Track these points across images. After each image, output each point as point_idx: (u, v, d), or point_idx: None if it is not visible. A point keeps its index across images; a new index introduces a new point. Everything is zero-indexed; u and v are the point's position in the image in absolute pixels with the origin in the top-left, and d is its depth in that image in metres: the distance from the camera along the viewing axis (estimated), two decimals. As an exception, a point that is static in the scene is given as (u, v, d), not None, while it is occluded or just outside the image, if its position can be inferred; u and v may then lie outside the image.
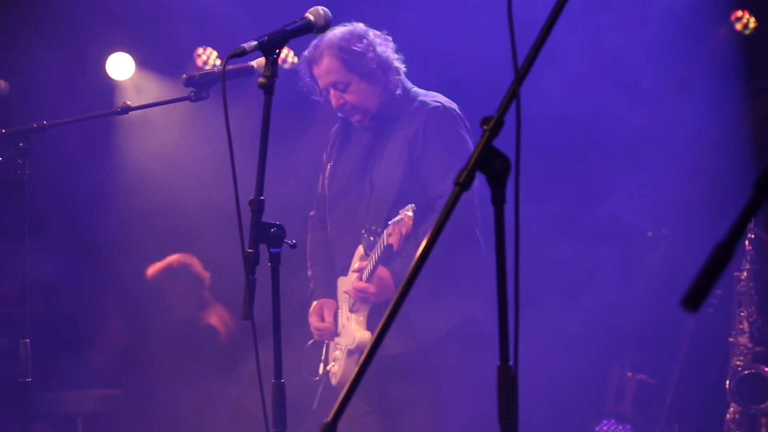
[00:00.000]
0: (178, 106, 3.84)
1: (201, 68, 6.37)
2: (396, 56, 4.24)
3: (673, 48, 5.88)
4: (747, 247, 5.13)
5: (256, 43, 2.86)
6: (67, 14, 6.21)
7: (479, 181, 1.86)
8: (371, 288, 4.07)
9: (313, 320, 4.37)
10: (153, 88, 6.43)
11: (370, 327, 4.17)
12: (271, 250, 2.82)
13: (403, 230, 3.81)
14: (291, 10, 3.13)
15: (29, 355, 3.88)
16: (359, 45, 4.15)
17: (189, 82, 3.39)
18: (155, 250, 6.58)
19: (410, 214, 3.82)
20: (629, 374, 5.82)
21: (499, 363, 1.88)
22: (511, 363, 1.87)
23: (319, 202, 4.51)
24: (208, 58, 6.56)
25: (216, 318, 6.32)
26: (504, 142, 1.86)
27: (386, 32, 4.27)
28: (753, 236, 5.14)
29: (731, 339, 5.11)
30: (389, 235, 3.87)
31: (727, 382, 5.03)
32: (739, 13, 6.02)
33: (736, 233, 1.32)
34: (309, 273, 4.53)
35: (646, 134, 5.86)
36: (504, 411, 1.87)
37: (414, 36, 5.05)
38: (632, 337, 5.88)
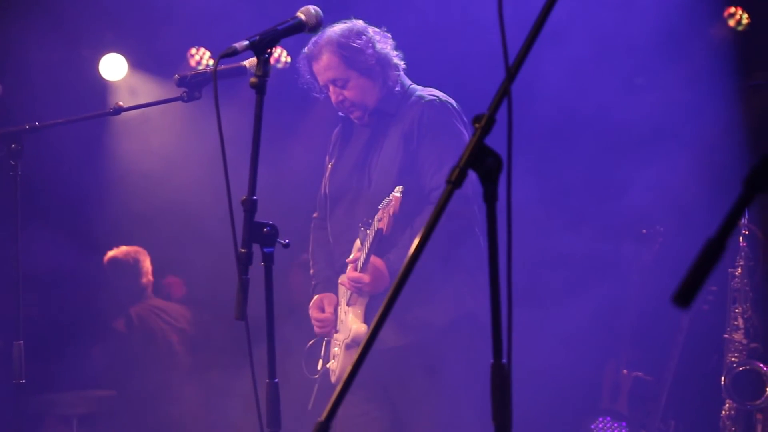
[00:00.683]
0: (171, 107, 3.84)
1: (194, 68, 6.36)
2: (395, 53, 4.26)
3: (667, 44, 5.89)
4: (741, 244, 5.14)
5: (247, 42, 2.85)
6: (60, 15, 6.20)
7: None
8: (365, 278, 4.07)
9: (313, 312, 4.37)
10: (146, 89, 6.43)
11: (367, 320, 4.17)
12: (264, 249, 2.82)
13: (391, 211, 3.82)
14: (285, 10, 3.12)
15: (23, 356, 3.88)
16: (358, 41, 4.17)
17: (181, 83, 3.39)
18: (149, 251, 6.58)
19: (398, 195, 3.83)
20: (625, 372, 5.82)
21: (492, 361, 1.87)
22: (504, 361, 1.87)
23: (321, 203, 4.52)
24: (201, 58, 6.55)
25: (135, 314, 6.33)
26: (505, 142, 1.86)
27: (385, 29, 4.28)
28: (747, 232, 5.14)
29: (726, 335, 5.11)
30: (379, 220, 3.88)
31: (723, 378, 5.03)
32: (732, 9, 6.02)
33: (727, 229, 1.32)
34: (311, 271, 4.54)
35: (640, 130, 5.86)
36: (498, 409, 1.86)
37: (413, 34, 5.06)
38: (628, 334, 5.88)
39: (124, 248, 6.49)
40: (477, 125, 1.84)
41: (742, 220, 5.12)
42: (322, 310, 4.37)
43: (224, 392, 6.00)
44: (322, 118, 5.32)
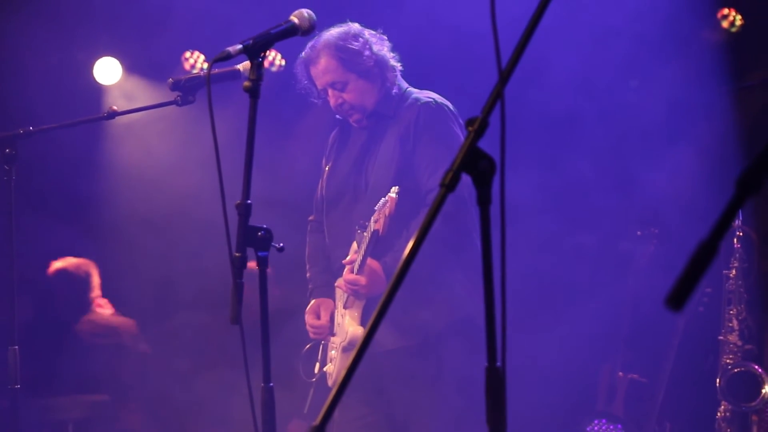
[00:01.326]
0: (166, 111, 3.83)
1: (188, 72, 6.36)
2: (392, 55, 4.26)
3: (661, 46, 5.90)
4: (735, 245, 5.14)
5: (241, 46, 2.85)
6: (55, 19, 6.19)
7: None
8: (362, 280, 4.07)
9: (309, 318, 4.38)
10: (140, 93, 6.42)
11: (363, 323, 4.17)
12: (259, 253, 2.82)
13: (387, 212, 3.82)
14: (279, 13, 3.12)
15: (18, 361, 3.87)
16: (356, 43, 4.17)
17: (175, 86, 3.39)
18: (144, 255, 6.57)
19: (394, 195, 3.83)
20: (620, 374, 5.82)
21: (486, 364, 1.88)
22: (498, 364, 1.87)
23: (318, 207, 4.51)
24: (196, 61, 6.55)
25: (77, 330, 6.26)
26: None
27: (380, 31, 4.28)
28: (741, 234, 5.14)
29: (721, 337, 5.12)
30: (375, 221, 3.88)
31: (718, 380, 5.04)
32: (726, 11, 6.03)
33: (719, 232, 1.32)
34: (307, 275, 4.53)
35: (634, 132, 5.87)
36: (492, 411, 1.87)
37: (407, 37, 5.06)
38: (623, 336, 5.88)
39: (73, 260, 6.35)
40: (470, 128, 1.84)
41: (736, 222, 5.13)
42: (318, 316, 4.37)
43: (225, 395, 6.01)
44: (318, 122, 5.32)
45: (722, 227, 1.32)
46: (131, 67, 6.55)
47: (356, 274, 4.08)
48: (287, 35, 3.00)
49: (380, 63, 4.21)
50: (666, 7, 5.69)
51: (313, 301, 4.42)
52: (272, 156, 5.62)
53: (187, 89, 3.39)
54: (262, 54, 2.88)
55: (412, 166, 4.15)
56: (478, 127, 1.83)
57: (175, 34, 6.23)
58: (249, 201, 2.82)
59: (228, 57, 2.86)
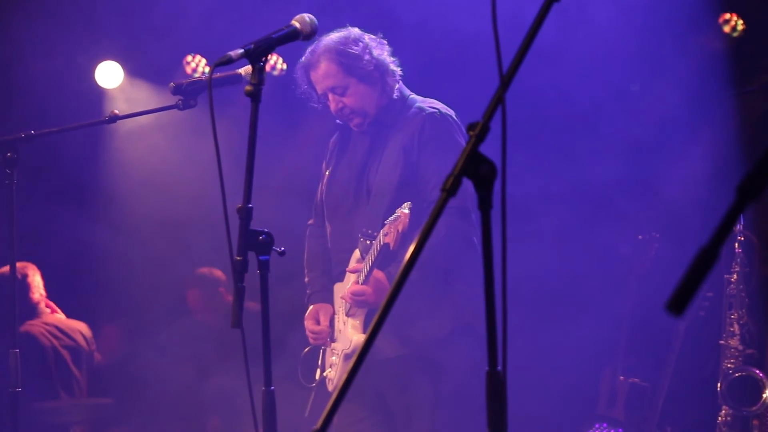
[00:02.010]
0: (167, 115, 3.83)
1: (189, 76, 6.37)
2: (392, 59, 4.26)
3: (662, 51, 5.90)
4: (737, 250, 5.14)
5: (242, 51, 2.85)
6: (56, 23, 6.20)
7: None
8: (368, 290, 4.07)
9: (309, 324, 4.38)
10: (142, 97, 6.43)
11: (365, 330, 4.17)
12: (260, 257, 2.82)
13: (400, 228, 3.81)
14: (281, 18, 3.12)
15: (19, 364, 3.87)
16: (356, 48, 4.17)
17: (176, 90, 3.39)
18: (146, 259, 6.58)
19: (406, 211, 3.82)
20: (621, 378, 5.82)
21: (487, 368, 1.88)
22: (499, 368, 1.88)
23: (318, 211, 4.51)
24: (197, 65, 6.56)
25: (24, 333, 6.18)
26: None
27: (381, 35, 4.28)
28: (743, 239, 5.14)
29: (722, 342, 5.12)
30: (385, 235, 3.87)
31: (719, 384, 5.03)
32: (728, 16, 6.03)
33: (720, 237, 1.32)
34: (306, 279, 4.53)
35: (635, 138, 5.87)
36: (493, 415, 1.87)
37: (409, 42, 5.07)
38: (624, 340, 5.88)
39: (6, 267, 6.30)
40: (471, 133, 1.84)
41: (738, 227, 5.13)
42: (318, 322, 4.37)
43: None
44: (319, 125, 5.32)
45: (723, 232, 1.33)
46: (133, 71, 6.56)
47: (362, 285, 4.09)
48: (288, 39, 3.00)
49: (380, 67, 4.21)
50: (667, 13, 5.69)
51: (311, 307, 4.42)
52: (270, 160, 5.61)
53: (189, 93, 3.39)
54: (264, 58, 2.88)
55: (415, 176, 4.14)
56: (479, 131, 1.84)
57: (177, 38, 6.24)
58: (250, 205, 2.82)
59: (229, 61, 2.86)
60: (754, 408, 4.94)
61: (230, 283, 6.38)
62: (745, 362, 5.06)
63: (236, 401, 4.39)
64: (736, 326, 5.09)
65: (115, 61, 6.54)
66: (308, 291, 4.49)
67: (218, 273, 6.79)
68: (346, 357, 4.21)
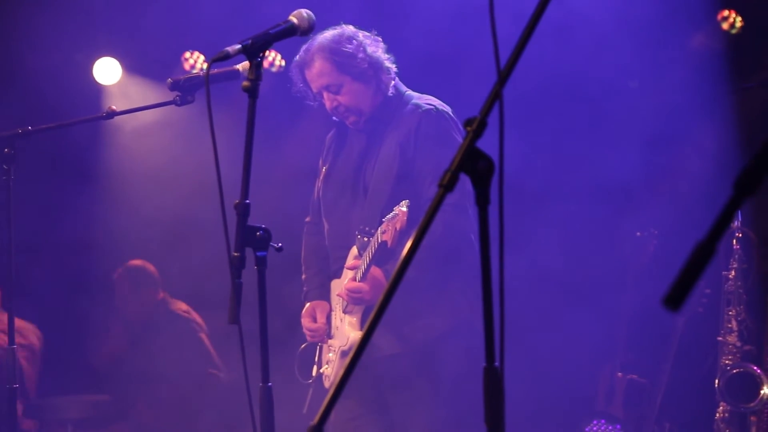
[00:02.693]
0: (165, 110, 3.83)
1: (187, 72, 6.36)
2: (386, 56, 4.26)
3: (659, 49, 5.90)
4: (735, 246, 5.14)
5: (239, 46, 2.85)
6: (54, 19, 6.19)
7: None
8: (365, 287, 4.07)
9: (306, 321, 4.38)
10: (140, 93, 6.42)
11: (363, 328, 4.16)
12: (257, 253, 2.82)
13: (398, 226, 3.81)
14: (279, 13, 3.12)
15: (16, 361, 3.88)
16: (349, 46, 4.17)
17: (174, 86, 3.39)
18: (144, 254, 6.57)
19: (404, 209, 3.82)
20: (619, 374, 5.82)
21: (485, 364, 1.88)
22: (497, 364, 1.88)
23: (315, 208, 4.52)
24: (195, 62, 6.55)
25: None
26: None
27: (375, 32, 4.28)
28: (741, 235, 5.14)
29: (720, 338, 5.12)
30: (383, 232, 3.87)
31: (717, 381, 5.04)
32: (726, 13, 6.03)
33: (717, 232, 1.32)
34: (303, 277, 4.53)
35: (634, 132, 5.87)
36: (490, 412, 1.87)
37: (411, 37, 5.07)
38: (623, 337, 5.88)
39: None
40: (469, 128, 1.84)
41: (736, 223, 5.13)
42: (315, 319, 4.37)
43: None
44: (317, 121, 5.31)
45: (720, 228, 1.33)
46: (131, 67, 6.56)
47: (359, 282, 4.09)
48: (286, 35, 2.99)
49: (375, 65, 4.21)
50: (665, 9, 5.69)
51: (308, 304, 4.43)
52: (268, 155, 5.61)
53: (186, 89, 3.39)
54: (261, 54, 2.88)
55: (412, 174, 4.15)
56: (476, 127, 1.83)
57: (175, 34, 6.24)
58: (248, 201, 2.82)
59: (227, 57, 2.85)
60: (752, 404, 4.95)
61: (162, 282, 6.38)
62: (743, 359, 5.06)
63: (235, 397, 4.40)
64: (734, 323, 5.09)
65: (113, 57, 6.54)
66: (305, 288, 4.49)
67: (151, 268, 6.54)
68: (343, 354, 4.21)
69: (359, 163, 4.29)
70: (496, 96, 1.85)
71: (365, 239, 4.02)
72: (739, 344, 5.07)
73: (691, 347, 5.59)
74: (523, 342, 4.80)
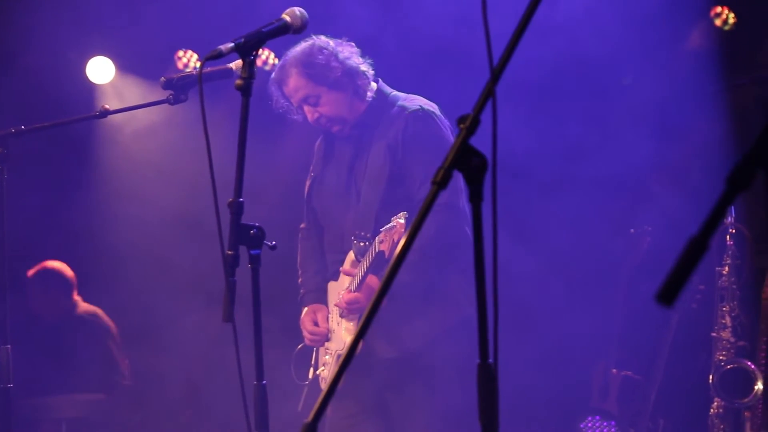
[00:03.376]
0: (158, 109, 3.82)
1: (181, 71, 6.36)
2: (361, 60, 4.26)
3: (652, 45, 5.90)
4: (728, 242, 5.15)
5: (232, 45, 2.85)
6: (47, 18, 6.18)
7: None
8: (362, 297, 4.10)
9: (307, 325, 4.38)
10: (133, 92, 6.42)
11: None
12: (251, 251, 2.82)
13: (395, 237, 3.83)
14: (273, 11, 3.12)
15: (10, 360, 3.86)
16: (321, 57, 4.18)
17: (167, 85, 3.38)
18: (138, 256, 6.57)
19: (402, 221, 3.84)
20: (614, 371, 5.83)
21: (478, 361, 1.88)
22: (491, 361, 1.88)
23: (309, 214, 4.52)
24: (189, 60, 6.55)
25: None
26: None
27: (346, 39, 4.28)
28: (734, 231, 5.15)
29: (714, 334, 5.12)
30: (381, 242, 3.89)
31: (711, 377, 5.05)
32: (719, 9, 6.04)
33: (710, 228, 1.32)
34: (299, 280, 4.54)
35: (626, 131, 5.87)
36: (484, 409, 1.87)
37: (409, 36, 5.07)
38: (617, 334, 5.89)
39: None
40: (462, 126, 1.84)
41: (729, 219, 5.14)
42: (316, 323, 4.37)
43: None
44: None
45: (712, 223, 1.33)
46: (124, 66, 6.55)
47: (355, 291, 4.10)
48: (279, 33, 2.99)
49: (349, 72, 4.21)
50: (658, 5, 5.69)
51: (306, 308, 4.43)
52: (261, 154, 5.61)
53: (180, 88, 3.38)
54: (254, 52, 2.88)
55: (402, 176, 4.17)
56: (469, 124, 1.83)
57: (168, 33, 6.23)
58: (241, 199, 2.82)
59: (220, 55, 2.86)
60: (746, 400, 4.95)
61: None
62: (737, 354, 5.07)
63: (230, 396, 4.39)
64: (727, 318, 5.10)
65: (107, 56, 6.53)
66: (301, 291, 4.50)
67: (69, 272, 6.42)
68: (339, 357, 4.22)
69: (349, 169, 4.31)
70: (489, 93, 1.85)
71: (361, 244, 4.04)
72: (733, 340, 5.07)
73: (685, 343, 5.60)
74: (518, 338, 4.81)
